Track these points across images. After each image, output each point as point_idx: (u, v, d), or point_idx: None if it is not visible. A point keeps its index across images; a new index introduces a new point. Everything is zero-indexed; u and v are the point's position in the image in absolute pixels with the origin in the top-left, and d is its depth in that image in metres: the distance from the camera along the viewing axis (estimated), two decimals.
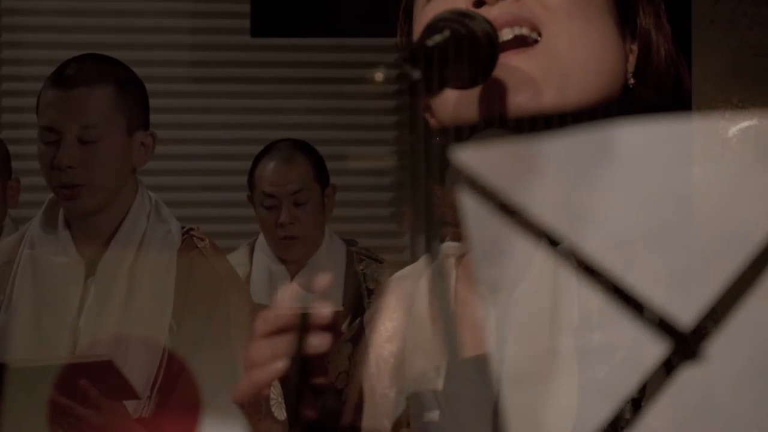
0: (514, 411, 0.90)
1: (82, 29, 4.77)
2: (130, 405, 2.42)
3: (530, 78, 1.12)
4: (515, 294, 0.96)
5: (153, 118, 4.70)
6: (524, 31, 1.14)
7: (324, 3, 4.62)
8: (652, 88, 1.19)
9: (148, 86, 4.78)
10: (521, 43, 1.14)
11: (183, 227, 2.59)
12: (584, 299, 0.89)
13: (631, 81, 1.19)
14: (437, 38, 1.04)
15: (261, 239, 3.65)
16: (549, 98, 1.13)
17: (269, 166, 3.57)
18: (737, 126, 0.91)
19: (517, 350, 0.93)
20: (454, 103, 1.14)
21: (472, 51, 1.06)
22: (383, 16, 4.46)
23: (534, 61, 1.13)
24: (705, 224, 0.85)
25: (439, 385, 1.19)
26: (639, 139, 0.85)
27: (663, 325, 0.86)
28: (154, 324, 2.47)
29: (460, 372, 1.23)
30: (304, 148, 3.64)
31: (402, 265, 4.53)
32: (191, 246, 2.55)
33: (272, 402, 2.73)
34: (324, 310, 1.16)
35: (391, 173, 4.97)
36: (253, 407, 1.18)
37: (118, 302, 2.48)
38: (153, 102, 4.71)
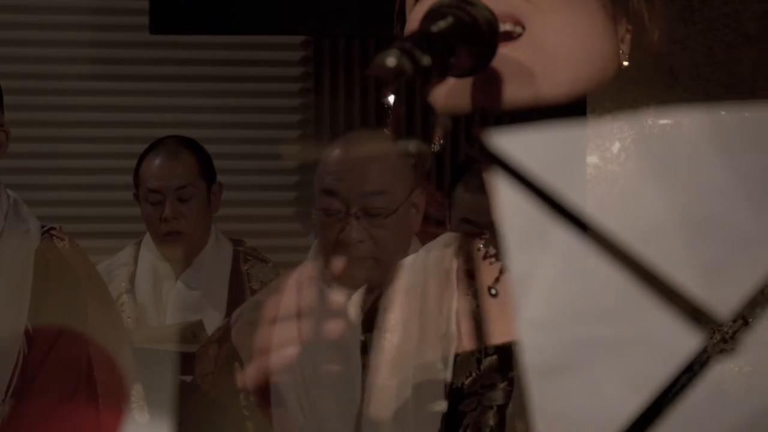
0: (543, 402, 0.88)
1: None
2: None
3: (518, 69, 1.12)
4: (546, 282, 0.93)
5: (53, 116, 4.69)
6: (507, 26, 1.12)
7: (224, 0, 4.60)
8: (648, 69, 1.19)
9: (47, 84, 4.78)
10: (506, 38, 1.12)
11: (43, 226, 2.55)
12: (618, 289, 0.88)
13: (625, 63, 1.17)
14: (441, 24, 1.03)
15: (147, 238, 3.62)
16: (538, 89, 1.12)
17: (155, 162, 3.55)
18: None
19: (548, 340, 0.91)
20: (446, 92, 1.12)
21: (474, 38, 1.05)
22: (283, 13, 4.43)
23: (518, 53, 1.13)
24: (745, 214, 0.83)
25: (448, 376, 1.18)
26: (682, 125, 0.85)
27: (699, 316, 0.86)
28: (10, 326, 2.42)
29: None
30: (190, 144, 3.63)
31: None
32: (50, 246, 2.51)
33: (133, 405, 2.68)
34: (337, 295, 1.15)
35: (296, 172, 4.95)
36: (262, 394, 1.17)
37: None
38: (52, 100, 4.70)
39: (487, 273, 1.24)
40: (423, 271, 1.28)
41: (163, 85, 4.81)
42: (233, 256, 3.62)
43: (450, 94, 1.12)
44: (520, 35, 1.13)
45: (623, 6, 1.19)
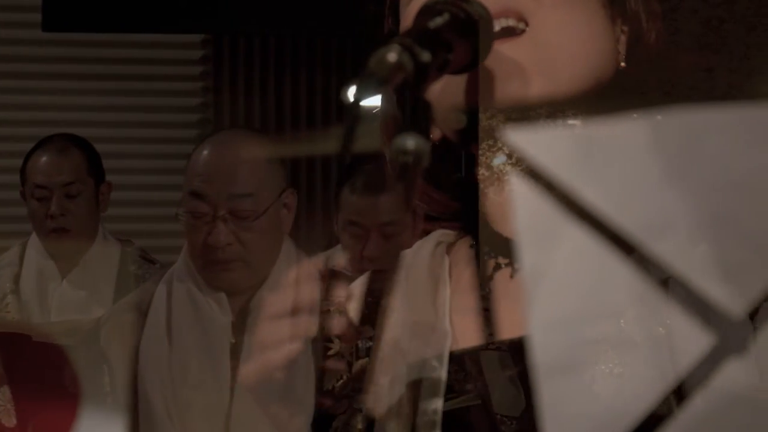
0: (552, 400, 0.88)
1: None
2: None
3: (519, 67, 1.11)
4: (558, 281, 0.93)
5: None
6: (511, 22, 1.12)
7: None
8: (644, 71, 1.18)
9: None
10: (509, 33, 1.12)
11: None
12: (630, 288, 0.88)
13: (622, 64, 1.18)
14: (438, 21, 1.02)
15: (33, 238, 3.58)
16: (539, 87, 1.11)
17: (42, 158, 3.52)
18: None
19: (558, 339, 0.91)
20: (439, 90, 1.11)
21: (470, 34, 1.05)
22: (183, 11, 4.37)
23: (521, 49, 1.12)
24: (761, 214, 0.83)
25: (443, 374, 1.14)
26: (695, 124, 0.84)
27: (710, 315, 0.86)
28: None
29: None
30: (78, 142, 3.60)
31: None
32: None
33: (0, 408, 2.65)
34: (340, 292, 1.12)
35: None
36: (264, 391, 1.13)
37: None
38: None
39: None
40: (415, 268, 1.26)
41: (57, 84, 4.76)
42: (121, 256, 3.59)
43: (442, 91, 1.12)
44: (523, 31, 1.13)
45: (620, 7, 1.19)
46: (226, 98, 4.99)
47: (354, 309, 1.25)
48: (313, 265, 1.13)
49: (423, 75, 0.96)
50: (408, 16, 1.17)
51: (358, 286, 1.27)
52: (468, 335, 1.17)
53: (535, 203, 0.86)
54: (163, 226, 4.72)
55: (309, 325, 1.11)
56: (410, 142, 0.94)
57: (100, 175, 3.60)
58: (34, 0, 4.49)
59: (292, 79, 5.08)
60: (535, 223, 0.86)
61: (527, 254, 0.88)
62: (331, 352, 2.62)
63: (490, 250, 1.21)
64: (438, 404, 1.13)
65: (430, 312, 1.21)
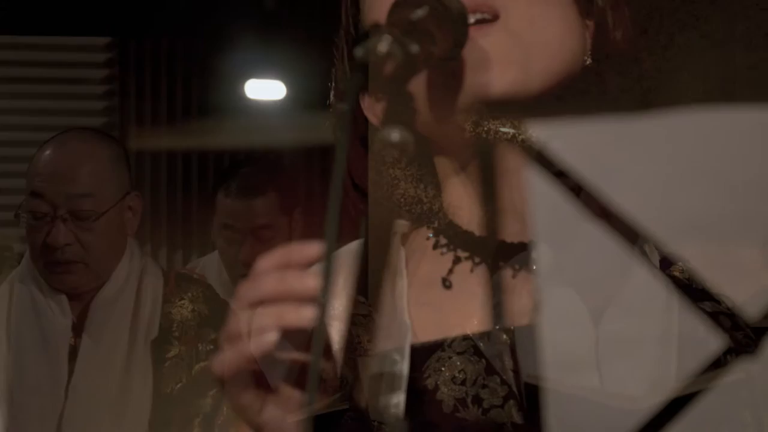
0: (561, 397, 0.88)
1: None
2: None
3: (493, 58, 1.10)
4: (570, 278, 0.92)
5: None
6: (486, 16, 1.12)
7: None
8: (610, 68, 1.17)
9: None
10: (482, 23, 1.11)
11: None
12: (644, 287, 0.88)
13: (588, 61, 1.17)
14: (420, 13, 1.01)
15: None
16: (512, 78, 1.10)
17: None
18: None
19: (569, 336, 0.91)
20: (426, 81, 1.10)
21: (447, 27, 1.04)
22: (87, 14, 4.31)
23: (492, 37, 1.11)
24: None
25: (405, 368, 1.11)
26: (724, 125, 0.84)
27: (724, 317, 0.88)
28: None
29: None
30: None
31: None
32: None
33: None
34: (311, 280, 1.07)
35: None
36: (236, 382, 1.06)
37: None
38: None
39: (439, 263, 1.19)
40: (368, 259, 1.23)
41: None
42: None
43: (429, 83, 1.11)
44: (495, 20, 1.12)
45: (587, 4, 1.18)
46: (131, 102, 4.97)
47: (339, 303, 1.19)
48: (298, 251, 1.03)
49: (410, 67, 0.96)
50: (374, 7, 1.17)
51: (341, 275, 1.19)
52: (427, 329, 1.15)
53: (553, 201, 0.85)
54: None
55: (290, 315, 1.02)
56: (395, 135, 0.92)
57: None
58: None
59: (199, 82, 5.05)
60: (552, 221, 0.86)
61: (543, 252, 0.87)
62: (170, 354, 2.59)
63: (450, 242, 1.19)
64: (400, 398, 1.10)
65: (388, 303, 1.17)
